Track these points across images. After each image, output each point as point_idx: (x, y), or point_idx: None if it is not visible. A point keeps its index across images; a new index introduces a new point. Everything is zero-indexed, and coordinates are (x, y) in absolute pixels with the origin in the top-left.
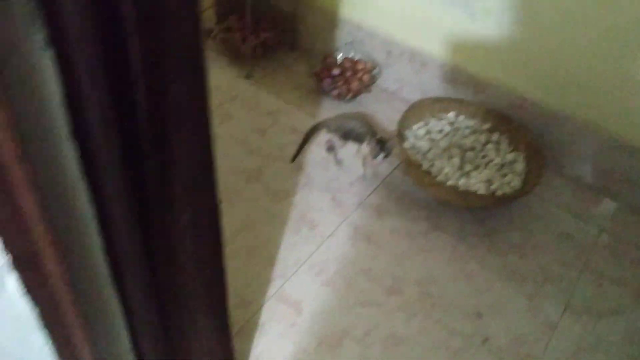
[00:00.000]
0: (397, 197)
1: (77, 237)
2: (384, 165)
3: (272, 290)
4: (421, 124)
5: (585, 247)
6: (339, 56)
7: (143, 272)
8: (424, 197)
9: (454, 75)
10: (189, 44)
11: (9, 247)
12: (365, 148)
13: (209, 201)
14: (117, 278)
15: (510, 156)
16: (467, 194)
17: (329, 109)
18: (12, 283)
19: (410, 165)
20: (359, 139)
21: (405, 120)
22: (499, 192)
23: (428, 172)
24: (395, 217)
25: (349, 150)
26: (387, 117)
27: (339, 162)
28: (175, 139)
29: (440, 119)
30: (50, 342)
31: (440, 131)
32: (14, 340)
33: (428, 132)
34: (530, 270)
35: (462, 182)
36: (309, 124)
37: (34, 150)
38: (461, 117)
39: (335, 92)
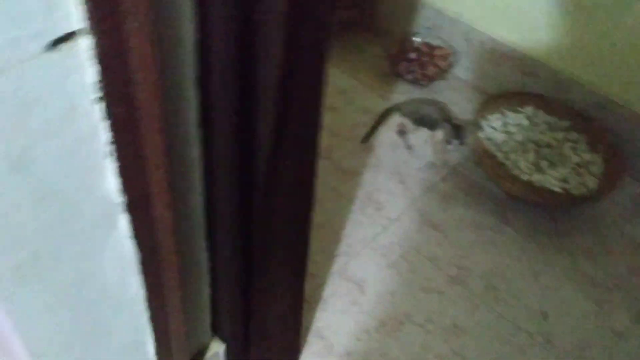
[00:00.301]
0: (466, 186)
1: (185, 185)
2: (455, 153)
3: (336, 266)
4: (498, 115)
5: None
6: (417, 40)
7: (236, 229)
8: (494, 190)
9: (535, 69)
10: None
11: (126, 189)
12: (439, 134)
13: (310, 165)
14: (211, 231)
15: (587, 157)
16: (541, 191)
17: (402, 92)
18: (123, 224)
19: (484, 156)
20: (432, 125)
21: (482, 110)
22: (574, 192)
23: (502, 165)
24: (464, 207)
25: (421, 136)
26: (460, 106)
27: (409, 147)
28: (290, 106)
29: (518, 112)
30: (144, 287)
31: (518, 125)
32: (114, 280)
33: (505, 125)
34: (601, 275)
35: (536, 178)
36: (381, 105)
37: (164, 93)
38: (540, 113)
39: (409, 76)
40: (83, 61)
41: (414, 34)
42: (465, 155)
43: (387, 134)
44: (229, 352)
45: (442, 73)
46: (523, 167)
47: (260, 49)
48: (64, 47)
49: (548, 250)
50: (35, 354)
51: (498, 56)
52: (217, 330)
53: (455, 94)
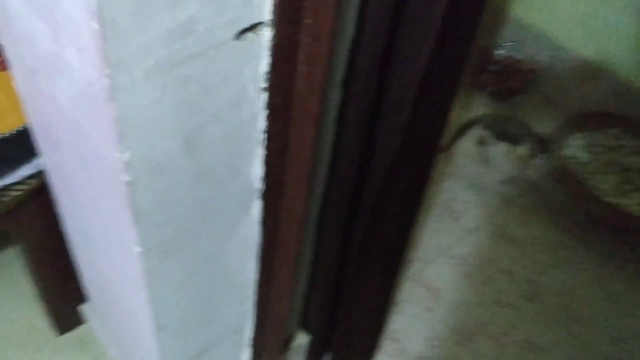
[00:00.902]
0: (545, 204)
1: (314, 179)
2: (536, 169)
3: (411, 271)
4: (583, 134)
5: None
6: (500, 53)
7: (342, 226)
8: (574, 209)
9: (622, 89)
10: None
11: (267, 176)
12: (521, 149)
13: (425, 174)
14: (320, 225)
15: None
16: (623, 214)
17: (482, 104)
18: (255, 210)
19: (566, 174)
20: (514, 139)
21: (567, 127)
22: None
23: (583, 184)
24: (541, 224)
25: (501, 149)
26: (540, 121)
27: (487, 159)
28: (419, 119)
29: (604, 132)
30: (259, 272)
31: (603, 145)
32: (235, 262)
33: (589, 144)
34: None
35: (618, 201)
36: (460, 116)
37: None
38: (627, 135)
39: (490, 89)
40: (261, 51)
41: (498, 47)
42: (546, 172)
43: (466, 145)
44: (312, 345)
45: (524, 88)
46: (606, 188)
47: (403, 61)
48: (250, 36)
49: (627, 273)
50: (160, 326)
51: (583, 74)
52: (304, 322)
53: (536, 110)
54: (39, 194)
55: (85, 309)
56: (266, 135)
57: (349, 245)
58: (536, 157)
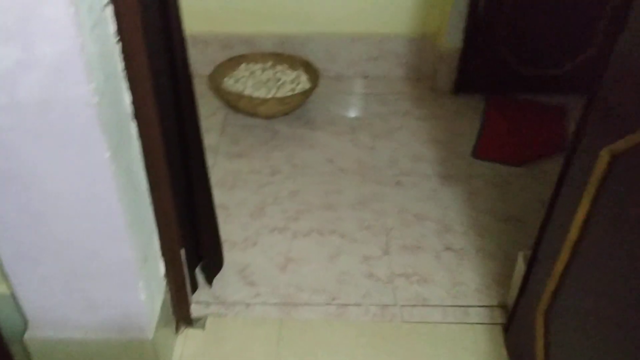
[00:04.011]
0: (244, 129)
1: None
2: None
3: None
4: (227, 78)
5: None
6: None
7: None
8: (257, 119)
9: (230, 40)
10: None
11: (133, 102)
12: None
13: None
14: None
15: (294, 74)
16: (285, 98)
17: None
18: (134, 127)
19: (240, 98)
20: None
21: (217, 80)
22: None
23: (252, 98)
24: (249, 143)
25: None
26: (197, 93)
27: None
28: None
29: (238, 70)
30: (147, 180)
31: (243, 77)
32: (138, 172)
33: (236, 81)
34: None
35: (278, 94)
36: None
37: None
38: (250, 65)
39: None
40: (109, 17)
41: None
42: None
43: None
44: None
45: None
46: (262, 94)
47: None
48: (107, 8)
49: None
50: (127, 223)
51: (201, 44)
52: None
53: None
54: None
55: None
56: (126, 75)
57: (189, 175)
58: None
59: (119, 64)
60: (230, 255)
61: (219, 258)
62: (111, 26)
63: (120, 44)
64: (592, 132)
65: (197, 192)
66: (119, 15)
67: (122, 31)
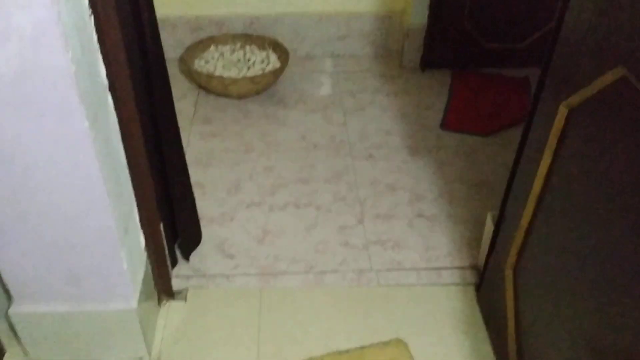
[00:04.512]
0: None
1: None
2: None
3: None
4: (198, 60)
5: None
6: None
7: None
8: (229, 99)
9: (198, 22)
10: None
11: (108, 74)
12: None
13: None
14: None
15: (263, 53)
16: (255, 78)
17: None
18: (110, 99)
19: (211, 78)
20: None
21: (187, 62)
22: (272, 69)
23: (223, 78)
24: (227, 114)
25: None
26: None
27: None
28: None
29: (208, 52)
30: (125, 152)
31: (213, 58)
32: (115, 143)
33: (207, 62)
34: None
35: (249, 73)
36: None
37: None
38: (220, 46)
39: None
40: None
41: None
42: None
43: None
44: (165, 231)
45: None
46: (233, 73)
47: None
48: None
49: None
50: (109, 191)
51: (170, 27)
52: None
53: None
54: None
55: None
56: (101, 48)
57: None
58: None
59: (93, 37)
60: (208, 231)
61: (197, 233)
62: None
63: (94, 17)
64: (549, 90)
65: (172, 168)
66: None
67: (94, 4)
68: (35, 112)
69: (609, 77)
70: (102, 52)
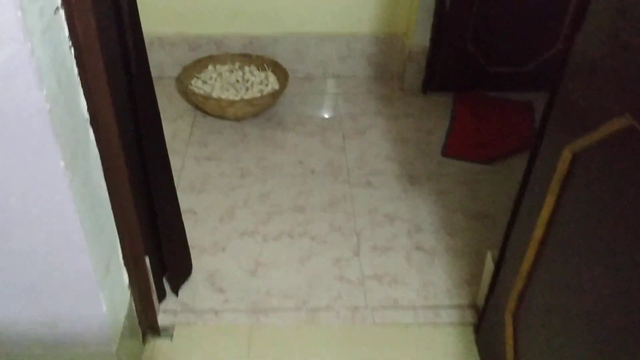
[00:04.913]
0: (210, 131)
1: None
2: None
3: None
4: (195, 80)
5: None
6: None
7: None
8: (226, 121)
9: (197, 41)
10: None
11: (89, 107)
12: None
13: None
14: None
15: (262, 74)
16: (254, 100)
17: None
18: (91, 133)
19: (208, 100)
20: None
21: (184, 82)
22: (271, 91)
23: (220, 100)
24: (217, 137)
25: None
26: (165, 95)
27: None
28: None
29: (206, 72)
30: (107, 188)
31: (211, 78)
32: (96, 179)
33: (204, 82)
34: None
35: (247, 95)
36: None
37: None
38: (218, 66)
39: None
40: (62, 21)
41: None
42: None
43: None
44: (152, 265)
45: None
46: (231, 95)
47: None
48: (59, 12)
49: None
50: (87, 232)
51: (168, 46)
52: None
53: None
54: None
55: None
56: (81, 81)
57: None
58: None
59: (74, 70)
60: (199, 262)
61: (187, 265)
62: (64, 31)
63: (74, 49)
64: (553, 130)
65: (161, 198)
66: (71, 19)
67: (75, 36)
68: (8, 151)
69: (615, 124)
70: (83, 84)
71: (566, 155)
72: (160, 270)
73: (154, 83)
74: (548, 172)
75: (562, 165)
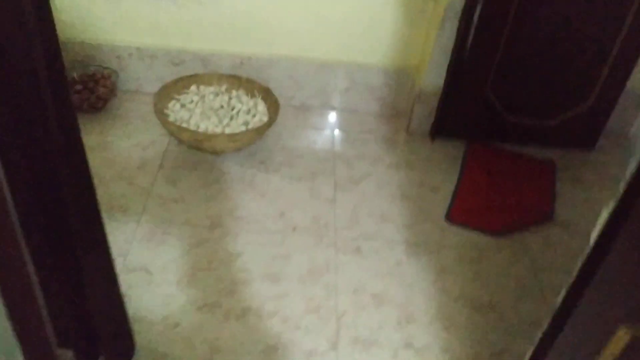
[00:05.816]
0: (187, 166)
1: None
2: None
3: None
4: (173, 102)
5: None
6: (75, 74)
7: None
8: (202, 155)
9: (181, 56)
10: None
11: None
12: None
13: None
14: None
15: (251, 102)
16: (235, 135)
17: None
18: None
19: (182, 130)
20: None
21: (159, 104)
22: (257, 126)
23: (197, 132)
24: (187, 175)
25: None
26: (138, 114)
27: None
28: None
29: (187, 93)
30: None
31: (192, 102)
32: None
33: (183, 105)
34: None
35: (227, 130)
36: None
37: None
38: (202, 87)
39: (85, 105)
40: None
41: (70, 70)
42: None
43: None
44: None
45: (111, 92)
46: (210, 128)
47: None
48: None
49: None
50: None
51: (148, 60)
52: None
53: (130, 105)
54: None
55: None
56: None
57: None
58: None
59: None
60: (145, 338)
61: (127, 347)
62: None
63: None
64: (604, 300)
65: (93, 279)
66: None
67: None
68: None
69: None
70: None
71: (622, 335)
72: (92, 356)
73: (130, 98)
74: (595, 345)
75: (615, 344)
